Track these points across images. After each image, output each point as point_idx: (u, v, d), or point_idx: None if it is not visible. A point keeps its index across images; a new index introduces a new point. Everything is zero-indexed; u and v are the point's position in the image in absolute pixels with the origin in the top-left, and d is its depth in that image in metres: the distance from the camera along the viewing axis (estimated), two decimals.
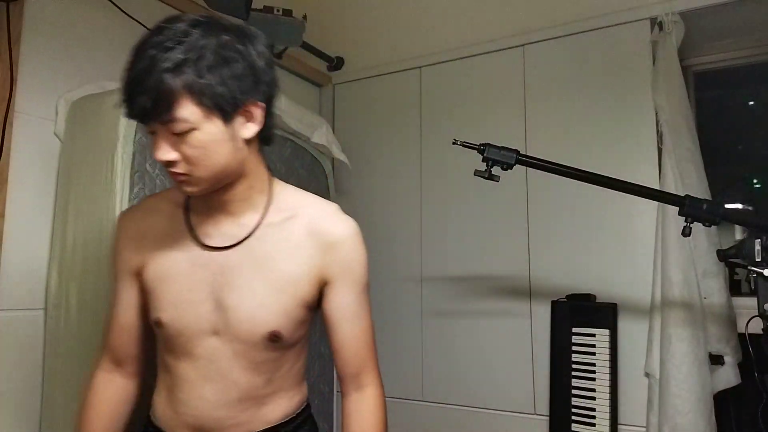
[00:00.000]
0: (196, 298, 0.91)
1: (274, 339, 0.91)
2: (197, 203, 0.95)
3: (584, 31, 2.00)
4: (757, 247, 1.22)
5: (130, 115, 0.80)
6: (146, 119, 0.81)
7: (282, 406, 0.97)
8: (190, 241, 0.93)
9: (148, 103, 0.77)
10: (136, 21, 1.68)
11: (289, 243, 0.92)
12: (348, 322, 0.95)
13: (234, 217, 0.93)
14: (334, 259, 0.93)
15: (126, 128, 1.36)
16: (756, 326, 1.28)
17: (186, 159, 0.82)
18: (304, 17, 1.98)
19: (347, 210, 0.98)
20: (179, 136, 0.80)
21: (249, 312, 0.90)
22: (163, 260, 0.94)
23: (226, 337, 0.91)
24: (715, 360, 1.70)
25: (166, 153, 0.82)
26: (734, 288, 1.99)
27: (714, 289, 1.73)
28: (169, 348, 0.95)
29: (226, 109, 0.81)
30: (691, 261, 1.70)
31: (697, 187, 1.74)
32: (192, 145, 0.81)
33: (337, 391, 2.13)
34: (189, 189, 0.86)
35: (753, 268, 1.22)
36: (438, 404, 2.16)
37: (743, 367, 1.72)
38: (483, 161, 1.29)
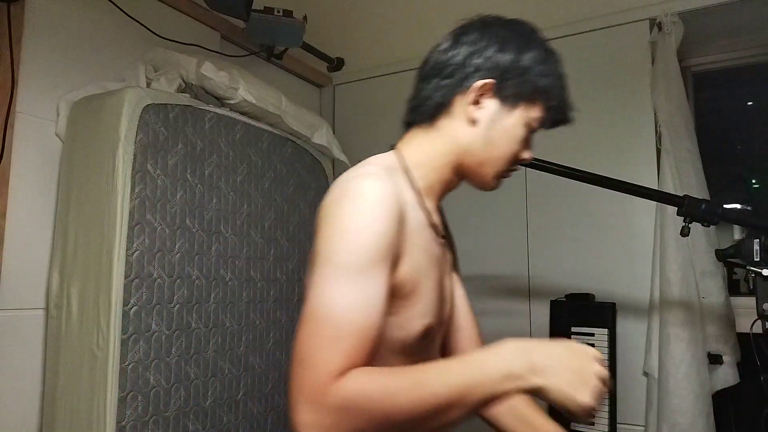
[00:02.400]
0: (440, 295, 0.85)
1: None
2: (433, 192, 0.88)
3: (583, 32, 2.01)
4: (756, 247, 1.22)
5: (563, 120, 0.90)
6: (562, 125, 0.92)
7: None
8: (429, 233, 0.85)
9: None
10: (137, 21, 1.68)
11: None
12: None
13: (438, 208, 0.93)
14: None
15: (127, 129, 1.37)
16: (758, 326, 1.28)
17: None
18: (305, 18, 1.98)
19: None
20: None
21: (458, 299, 0.95)
22: (420, 254, 0.80)
23: (442, 327, 0.90)
24: (714, 359, 1.71)
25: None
26: (733, 288, 1.99)
27: (713, 288, 1.73)
28: (408, 352, 0.81)
29: None
30: (689, 261, 1.71)
31: (696, 187, 1.74)
32: None
33: None
34: (499, 183, 0.90)
35: (752, 268, 1.22)
36: None
37: (742, 366, 1.73)
38: None
